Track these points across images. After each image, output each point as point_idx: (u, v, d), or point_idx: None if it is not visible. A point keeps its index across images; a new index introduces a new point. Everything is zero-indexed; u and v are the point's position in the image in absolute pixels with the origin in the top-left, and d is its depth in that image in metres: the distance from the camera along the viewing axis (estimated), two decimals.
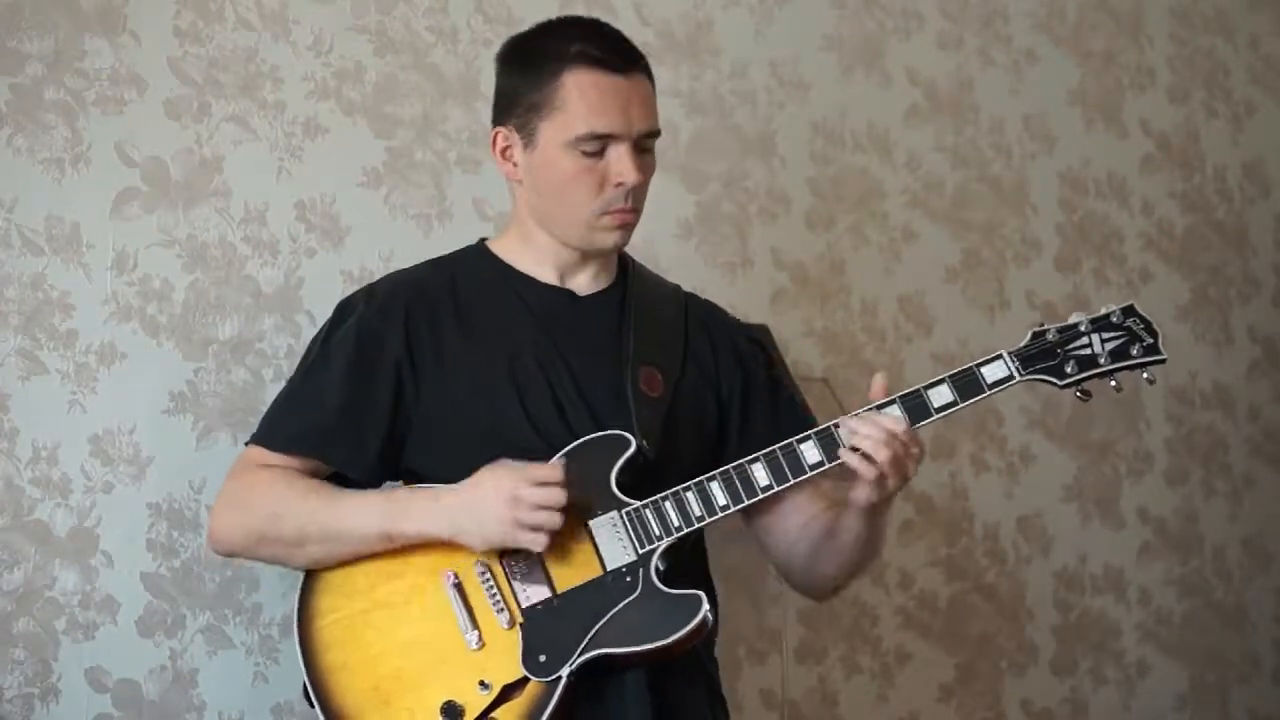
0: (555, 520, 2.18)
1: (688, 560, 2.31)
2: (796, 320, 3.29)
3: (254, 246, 2.78)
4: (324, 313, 2.78)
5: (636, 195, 2.31)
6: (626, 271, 2.44)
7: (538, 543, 2.19)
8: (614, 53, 2.32)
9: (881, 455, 2.17)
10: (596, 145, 2.28)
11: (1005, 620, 3.48)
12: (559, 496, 2.18)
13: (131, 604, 2.65)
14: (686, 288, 2.52)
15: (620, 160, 2.28)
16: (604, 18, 3.06)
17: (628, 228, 2.33)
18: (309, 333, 2.78)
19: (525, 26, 3.01)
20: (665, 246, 3.11)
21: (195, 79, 2.76)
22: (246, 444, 2.38)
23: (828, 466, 2.22)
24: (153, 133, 2.72)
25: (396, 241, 2.88)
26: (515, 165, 2.36)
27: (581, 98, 2.28)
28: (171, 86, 2.74)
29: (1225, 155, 3.87)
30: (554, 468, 2.20)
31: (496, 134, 2.37)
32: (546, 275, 2.38)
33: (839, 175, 3.37)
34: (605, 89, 2.29)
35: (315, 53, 2.87)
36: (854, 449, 2.18)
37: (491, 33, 3.00)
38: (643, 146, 2.31)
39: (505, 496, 2.18)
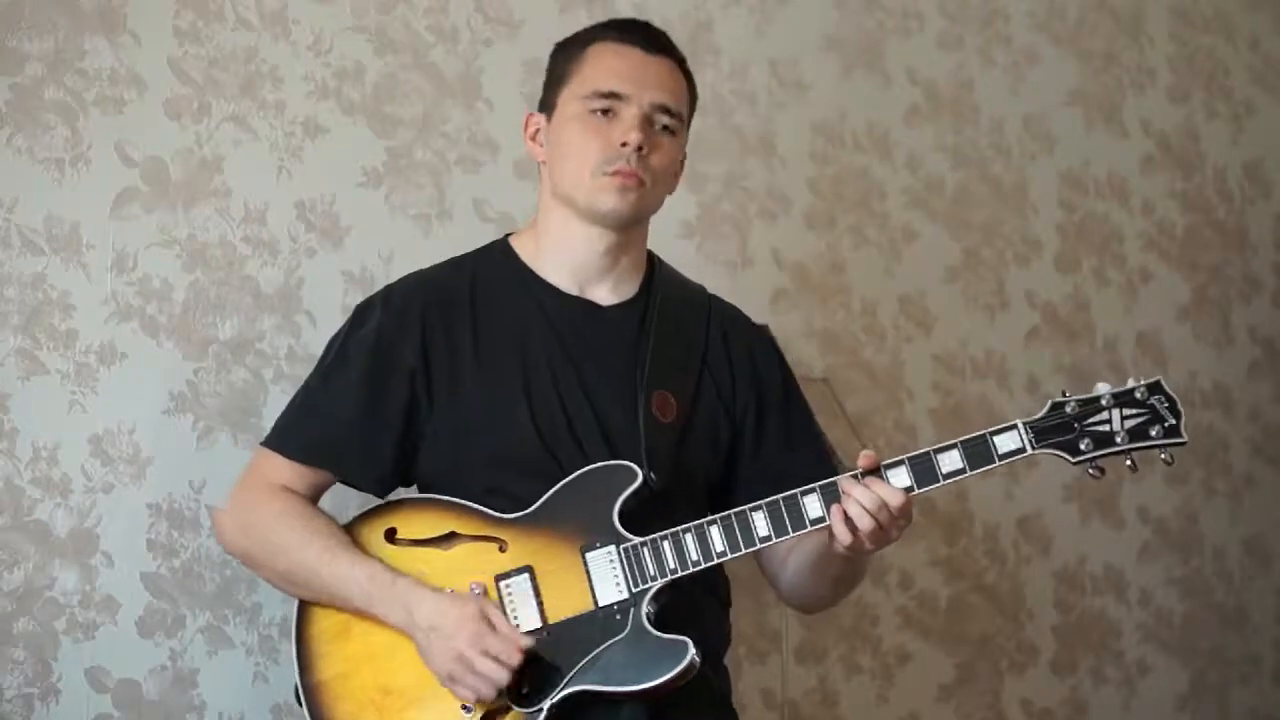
0: (486, 693, 2.16)
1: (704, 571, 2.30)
2: (796, 320, 3.29)
3: (254, 246, 2.78)
4: (324, 313, 2.79)
5: (646, 165, 2.31)
6: (653, 278, 2.43)
7: (459, 695, 2.18)
8: (640, 33, 2.40)
9: (864, 524, 2.15)
10: (606, 104, 2.32)
11: (1005, 620, 3.48)
12: (502, 678, 2.15)
13: (131, 604, 2.65)
14: None
15: (627, 120, 2.31)
16: (603, 17, 3.07)
17: (628, 191, 2.31)
18: (309, 333, 2.78)
19: (525, 27, 3.04)
20: (666, 246, 3.09)
21: (195, 79, 2.76)
22: (261, 444, 2.39)
23: (827, 524, 2.19)
24: (153, 133, 2.72)
25: (396, 241, 2.88)
26: (541, 146, 2.40)
27: (598, 61, 2.35)
28: (171, 86, 2.74)
29: (1225, 155, 3.87)
30: (514, 646, 2.16)
31: (529, 118, 2.43)
32: (567, 284, 2.37)
33: (839, 175, 3.37)
34: (622, 55, 2.35)
35: (315, 53, 2.87)
36: (843, 512, 2.16)
37: (491, 33, 3.00)
38: (658, 122, 2.33)
39: (457, 650, 2.16)
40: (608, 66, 2.34)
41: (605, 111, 2.31)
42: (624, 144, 2.29)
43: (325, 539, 2.28)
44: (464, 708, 2.20)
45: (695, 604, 2.26)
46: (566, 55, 2.40)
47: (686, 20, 3.22)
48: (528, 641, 2.18)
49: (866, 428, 3.26)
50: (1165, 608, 3.68)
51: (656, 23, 3.15)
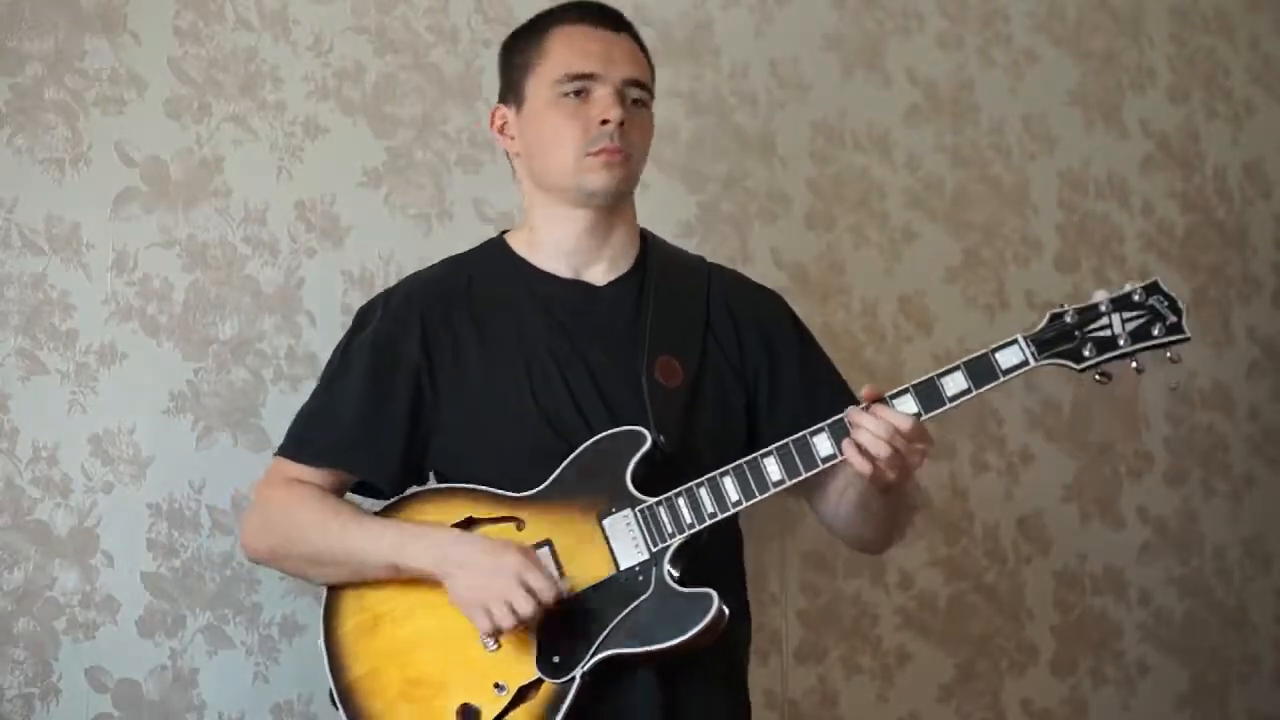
0: (511, 620, 2.17)
1: (718, 549, 2.29)
2: None
3: (254, 246, 2.78)
4: (324, 313, 2.79)
5: (627, 139, 2.32)
6: (647, 252, 2.44)
7: (484, 631, 2.19)
8: (597, 12, 2.40)
9: (879, 451, 2.15)
10: (578, 86, 2.32)
11: (1005, 620, 3.48)
12: (528, 608, 2.16)
13: (131, 604, 2.65)
14: None
15: (603, 99, 2.32)
16: None
17: (615, 167, 2.32)
18: (309, 333, 2.78)
19: None
20: None
21: (195, 79, 2.76)
22: (275, 454, 2.40)
23: (840, 459, 2.18)
24: (153, 133, 2.72)
25: (396, 241, 2.88)
26: (512, 138, 2.40)
27: (563, 45, 2.35)
28: (171, 86, 2.74)
29: (1225, 155, 3.87)
30: (553, 587, 2.18)
31: (494, 112, 2.43)
32: (561, 269, 2.38)
33: (839, 175, 3.37)
34: (587, 36, 2.36)
35: (315, 53, 2.87)
36: (855, 443, 2.16)
37: (491, 33, 3.00)
38: (631, 96, 2.34)
39: (496, 591, 2.17)
40: (576, 48, 2.34)
41: (579, 93, 2.32)
42: (604, 121, 2.30)
43: (347, 514, 2.31)
44: (496, 686, 2.20)
45: (713, 577, 2.24)
46: (527, 44, 2.40)
47: (686, 20, 3.22)
48: (565, 587, 2.19)
49: None
50: (1165, 608, 3.68)
51: (656, 23, 3.17)
